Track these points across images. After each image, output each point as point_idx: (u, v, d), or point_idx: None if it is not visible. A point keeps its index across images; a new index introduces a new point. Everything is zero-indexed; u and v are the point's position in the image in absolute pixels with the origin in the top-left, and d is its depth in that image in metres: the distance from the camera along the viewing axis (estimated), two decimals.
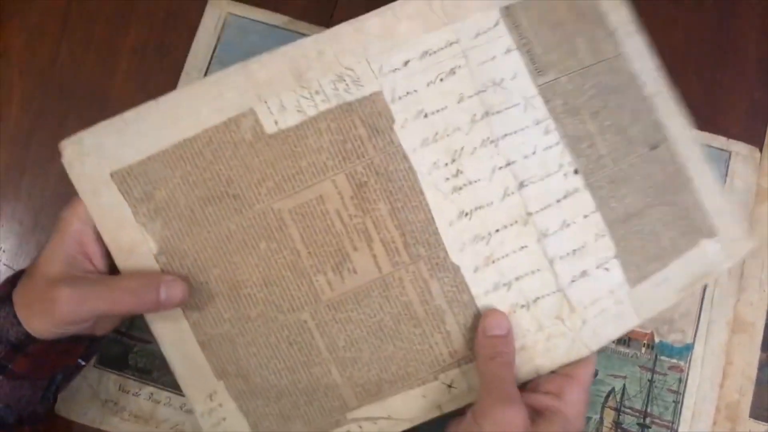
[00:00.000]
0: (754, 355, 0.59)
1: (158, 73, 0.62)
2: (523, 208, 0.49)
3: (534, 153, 0.49)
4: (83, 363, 0.51)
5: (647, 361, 0.58)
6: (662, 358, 0.58)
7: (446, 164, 0.49)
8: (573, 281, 0.49)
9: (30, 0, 0.62)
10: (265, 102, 0.48)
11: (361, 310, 0.49)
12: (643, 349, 0.58)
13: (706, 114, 0.62)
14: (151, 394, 0.56)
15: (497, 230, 0.49)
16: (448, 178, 0.49)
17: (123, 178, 0.48)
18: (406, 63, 0.48)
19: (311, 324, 0.49)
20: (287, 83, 0.48)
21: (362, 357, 0.49)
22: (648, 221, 0.50)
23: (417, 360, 0.50)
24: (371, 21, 0.48)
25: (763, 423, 0.58)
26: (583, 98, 0.50)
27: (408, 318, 0.49)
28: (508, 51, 0.49)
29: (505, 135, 0.49)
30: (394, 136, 0.48)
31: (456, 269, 0.49)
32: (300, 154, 0.48)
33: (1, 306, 0.46)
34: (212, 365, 0.50)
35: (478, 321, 0.49)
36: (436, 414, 0.50)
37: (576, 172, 0.49)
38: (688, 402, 0.58)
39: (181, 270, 0.48)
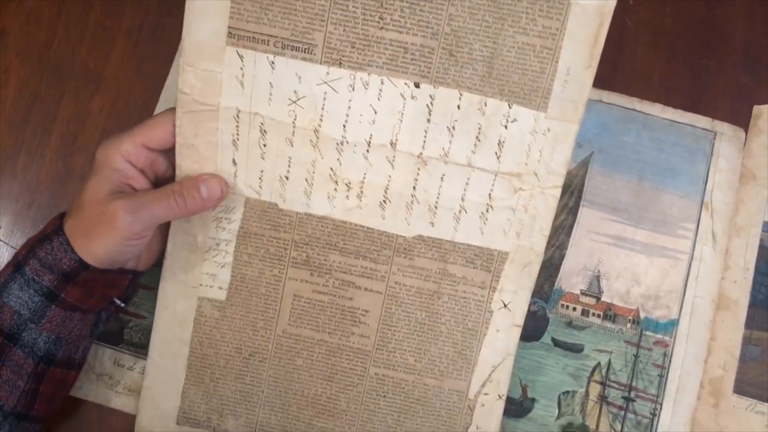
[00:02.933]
0: (738, 332, 0.62)
1: (153, 56, 0.65)
2: (411, 157, 0.54)
3: (376, 113, 0.53)
4: (122, 304, 0.57)
5: (632, 336, 0.61)
6: (647, 333, 0.61)
7: (336, 189, 0.55)
8: (499, 157, 0.53)
9: None
10: None
11: (398, 328, 0.57)
12: (629, 325, 0.61)
13: (694, 97, 0.66)
14: (145, 368, 0.59)
15: (414, 188, 0.54)
16: (347, 197, 0.55)
17: None
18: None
19: (381, 371, 0.57)
20: None
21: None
22: (508, 49, 0.51)
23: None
24: None
25: (747, 398, 0.61)
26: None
27: (428, 297, 0.56)
28: None
29: (345, 123, 0.53)
30: None
31: (420, 238, 0.55)
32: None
33: (54, 237, 0.51)
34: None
35: (476, 252, 0.56)
36: None
37: (417, 85, 0.52)
38: (673, 376, 0.61)
39: None
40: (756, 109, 0.65)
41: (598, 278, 0.62)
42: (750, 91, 0.66)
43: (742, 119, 0.65)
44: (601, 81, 0.63)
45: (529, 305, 0.57)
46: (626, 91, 0.65)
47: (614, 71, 0.65)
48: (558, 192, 0.54)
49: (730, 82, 0.66)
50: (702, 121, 0.64)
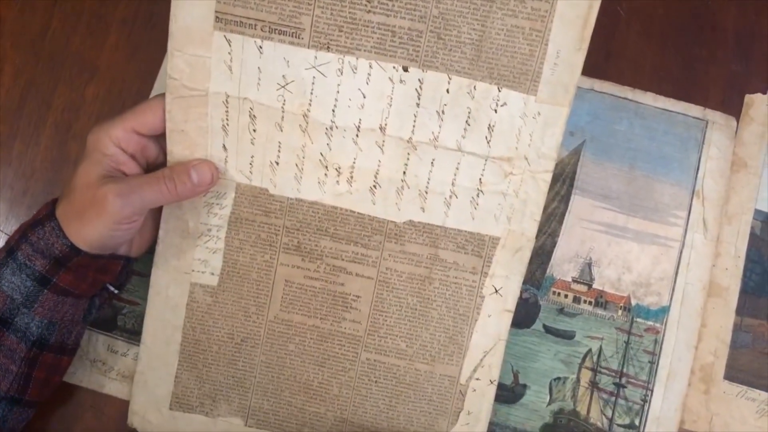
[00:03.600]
0: (729, 318, 0.62)
1: (147, 45, 0.65)
2: (401, 142, 0.54)
3: (365, 97, 0.53)
4: (116, 291, 0.57)
5: (624, 323, 0.61)
6: (638, 320, 0.61)
7: (326, 174, 0.55)
8: (489, 141, 0.53)
9: None
10: None
11: (389, 314, 0.57)
12: (620, 312, 0.61)
13: (686, 86, 0.66)
14: (138, 354, 0.59)
15: (404, 172, 0.54)
16: (338, 182, 0.55)
17: None
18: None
19: (373, 356, 0.57)
20: None
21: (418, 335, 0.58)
22: (496, 32, 0.51)
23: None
24: None
25: (738, 385, 0.61)
26: None
27: (420, 282, 0.56)
28: None
29: (334, 108, 0.53)
30: None
31: (411, 223, 0.55)
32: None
33: (46, 222, 0.51)
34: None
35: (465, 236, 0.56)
36: None
37: (406, 69, 0.52)
38: (664, 362, 0.61)
39: None
40: (747, 98, 0.65)
41: (589, 265, 0.62)
42: (741, 80, 0.66)
43: (733, 108, 0.65)
44: (593, 70, 0.63)
45: (521, 292, 0.57)
46: (618, 80, 0.65)
47: (606, 60, 0.66)
48: (549, 176, 0.54)
49: (721, 72, 0.66)
50: (694, 110, 0.64)
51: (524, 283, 0.57)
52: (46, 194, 0.63)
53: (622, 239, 0.63)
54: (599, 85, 0.64)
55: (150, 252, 0.57)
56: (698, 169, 0.63)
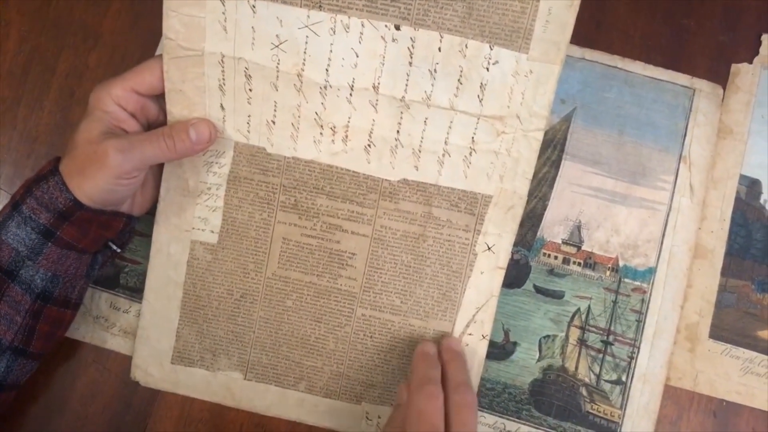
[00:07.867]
0: (714, 279, 0.62)
1: (149, 12, 0.65)
2: (394, 101, 0.54)
3: (357, 56, 0.52)
4: (119, 250, 0.57)
5: (611, 283, 0.61)
6: (626, 280, 0.62)
7: (322, 133, 0.55)
8: (481, 100, 0.53)
9: None
10: None
11: (384, 271, 0.57)
12: (608, 272, 0.62)
13: (674, 55, 0.66)
14: (140, 311, 0.59)
15: (397, 131, 0.54)
16: (333, 141, 0.55)
17: None
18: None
19: (368, 312, 0.58)
20: None
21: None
22: None
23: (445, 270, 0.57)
24: None
25: (722, 343, 0.61)
26: None
27: (414, 240, 0.56)
28: None
29: (327, 67, 0.53)
30: None
31: (405, 181, 0.55)
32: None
33: (50, 177, 0.51)
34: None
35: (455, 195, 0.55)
36: None
37: (398, 27, 0.52)
38: (650, 321, 0.61)
39: None
40: (734, 67, 0.65)
41: (579, 228, 0.63)
42: (728, 50, 0.66)
43: (720, 77, 0.65)
44: (584, 39, 0.63)
45: (512, 253, 0.58)
46: (608, 49, 0.65)
47: (597, 30, 0.65)
48: (540, 135, 0.54)
49: (709, 42, 0.66)
50: (681, 79, 0.64)
51: (515, 244, 0.57)
52: (50, 157, 0.61)
53: (610, 203, 0.63)
54: (590, 54, 0.64)
55: (151, 213, 0.58)
56: (685, 135, 0.63)
